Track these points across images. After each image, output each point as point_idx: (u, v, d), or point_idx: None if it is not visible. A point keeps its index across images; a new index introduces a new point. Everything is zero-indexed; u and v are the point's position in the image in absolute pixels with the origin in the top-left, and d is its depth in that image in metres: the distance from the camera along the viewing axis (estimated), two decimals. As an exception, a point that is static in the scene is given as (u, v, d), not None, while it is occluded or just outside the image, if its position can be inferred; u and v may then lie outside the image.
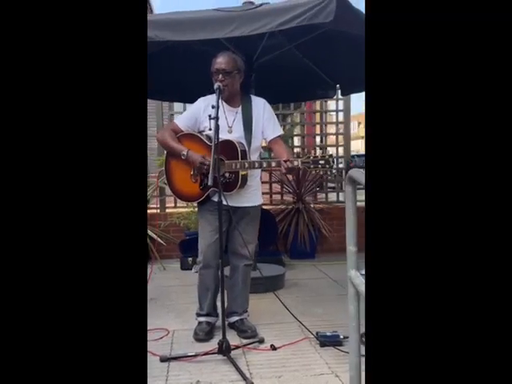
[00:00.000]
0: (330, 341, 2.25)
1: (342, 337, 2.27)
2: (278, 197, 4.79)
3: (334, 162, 2.08)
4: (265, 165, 2.27)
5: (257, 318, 2.61)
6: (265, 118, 2.36)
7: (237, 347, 2.19)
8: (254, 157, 2.33)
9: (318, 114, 5.07)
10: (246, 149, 2.27)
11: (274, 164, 2.21)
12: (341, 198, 4.98)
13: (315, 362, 2.10)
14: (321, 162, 2.07)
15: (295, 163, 2.11)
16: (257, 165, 2.24)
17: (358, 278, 1.67)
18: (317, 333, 2.33)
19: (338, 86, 4.16)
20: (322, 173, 1.81)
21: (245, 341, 2.33)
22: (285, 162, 2.10)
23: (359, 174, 1.75)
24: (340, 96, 4.51)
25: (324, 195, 4.96)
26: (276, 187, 4.83)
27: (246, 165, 2.20)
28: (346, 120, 5.00)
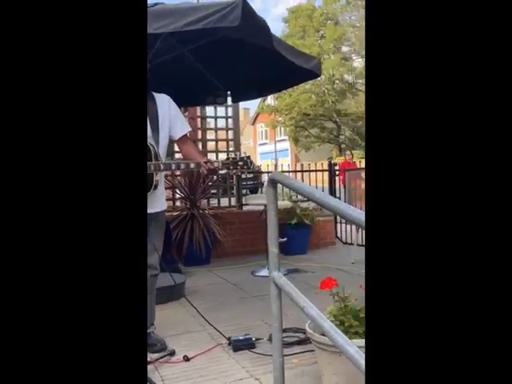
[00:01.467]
0: (243, 344, 2.24)
1: (254, 339, 2.29)
2: (170, 203, 4.65)
3: (251, 163, 2.09)
4: (183, 166, 2.17)
5: (162, 330, 2.48)
6: (171, 114, 2.25)
7: (148, 363, 2.06)
8: (162, 157, 2.22)
9: (203, 120, 5.06)
10: (156, 149, 2.15)
11: (192, 165, 2.12)
12: (232, 203, 5.05)
13: (232, 367, 2.07)
14: (240, 163, 2.07)
15: (215, 164, 2.07)
16: (174, 166, 2.13)
17: (282, 279, 1.69)
18: (229, 338, 2.30)
19: (228, 92, 4.22)
20: (239, 173, 1.86)
21: (155, 355, 2.19)
22: (205, 163, 2.04)
23: (281, 176, 1.79)
24: (230, 103, 4.59)
25: (216, 200, 4.97)
26: (167, 193, 4.69)
27: (162, 166, 2.07)
28: (235, 126, 5.09)
